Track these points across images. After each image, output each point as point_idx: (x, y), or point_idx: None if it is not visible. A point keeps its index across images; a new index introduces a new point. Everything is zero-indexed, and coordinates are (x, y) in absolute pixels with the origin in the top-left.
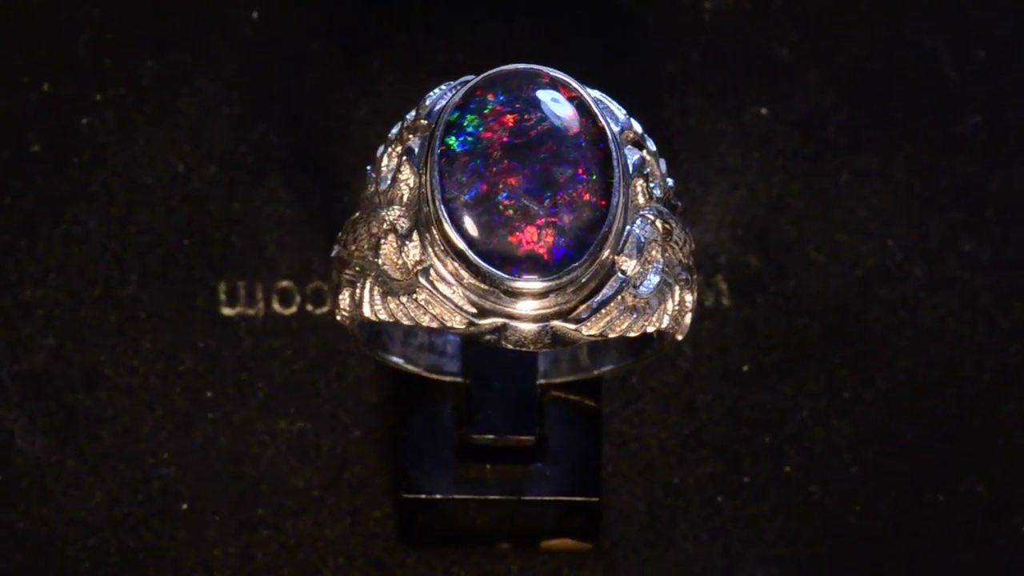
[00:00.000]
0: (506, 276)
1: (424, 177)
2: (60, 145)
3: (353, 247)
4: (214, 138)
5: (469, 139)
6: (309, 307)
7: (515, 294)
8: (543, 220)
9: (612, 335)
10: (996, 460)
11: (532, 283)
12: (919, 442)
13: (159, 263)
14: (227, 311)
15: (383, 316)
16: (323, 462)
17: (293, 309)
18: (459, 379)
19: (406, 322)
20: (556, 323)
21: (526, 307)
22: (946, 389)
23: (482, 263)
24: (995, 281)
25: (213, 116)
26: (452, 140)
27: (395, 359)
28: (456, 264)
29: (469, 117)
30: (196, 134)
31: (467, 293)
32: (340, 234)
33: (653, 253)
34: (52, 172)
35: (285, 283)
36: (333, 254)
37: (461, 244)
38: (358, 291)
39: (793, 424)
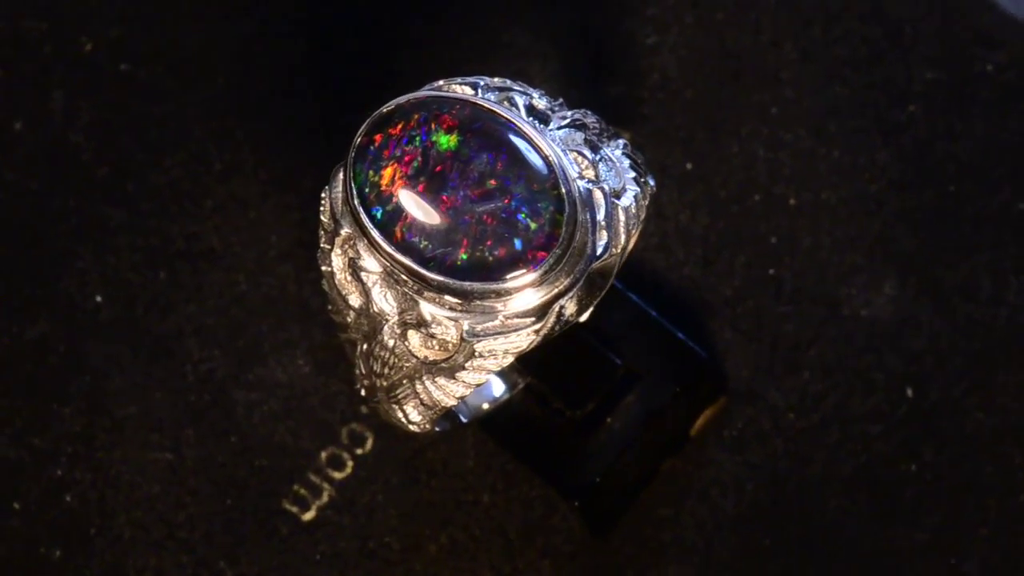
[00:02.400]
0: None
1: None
2: None
3: (376, 375)
4: None
5: (386, 204)
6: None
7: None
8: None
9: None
10: None
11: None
12: None
13: None
14: None
15: (456, 398)
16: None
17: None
18: (514, 389)
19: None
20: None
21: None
22: None
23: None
24: None
25: None
26: (378, 213)
27: (463, 417)
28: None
29: (370, 174)
30: None
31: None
32: (356, 380)
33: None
34: None
35: None
36: (363, 395)
37: (463, 285)
38: (420, 395)
39: None
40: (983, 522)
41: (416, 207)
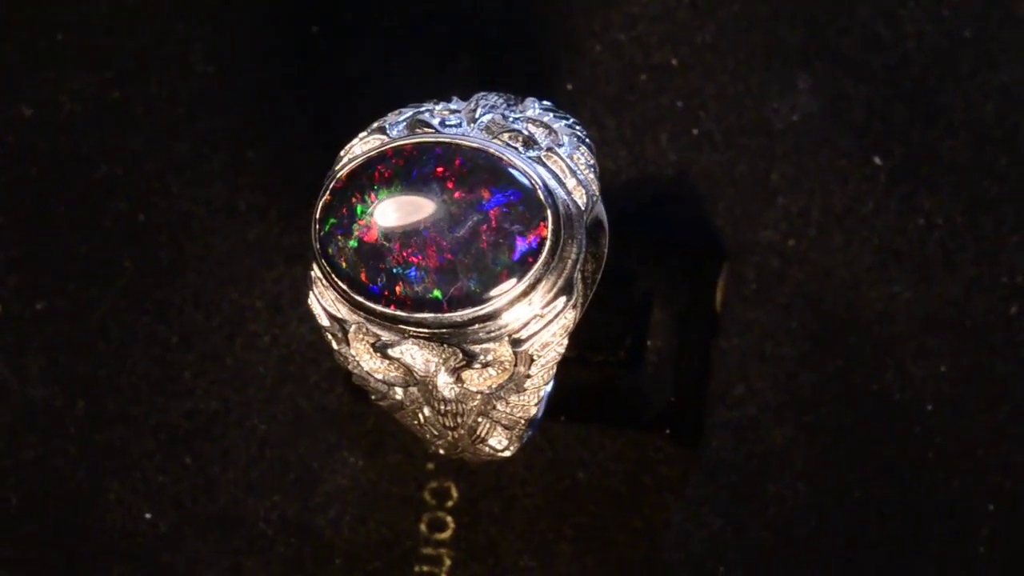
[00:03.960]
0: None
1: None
2: None
3: (451, 429)
4: None
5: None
6: None
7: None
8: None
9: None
10: None
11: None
12: None
13: None
14: None
15: (534, 406)
16: None
17: None
18: None
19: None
20: None
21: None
22: None
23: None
24: None
25: None
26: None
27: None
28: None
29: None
30: None
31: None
32: (429, 447)
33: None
34: None
35: None
36: (444, 454)
37: (489, 306)
38: (499, 422)
39: None
40: None
41: (405, 266)
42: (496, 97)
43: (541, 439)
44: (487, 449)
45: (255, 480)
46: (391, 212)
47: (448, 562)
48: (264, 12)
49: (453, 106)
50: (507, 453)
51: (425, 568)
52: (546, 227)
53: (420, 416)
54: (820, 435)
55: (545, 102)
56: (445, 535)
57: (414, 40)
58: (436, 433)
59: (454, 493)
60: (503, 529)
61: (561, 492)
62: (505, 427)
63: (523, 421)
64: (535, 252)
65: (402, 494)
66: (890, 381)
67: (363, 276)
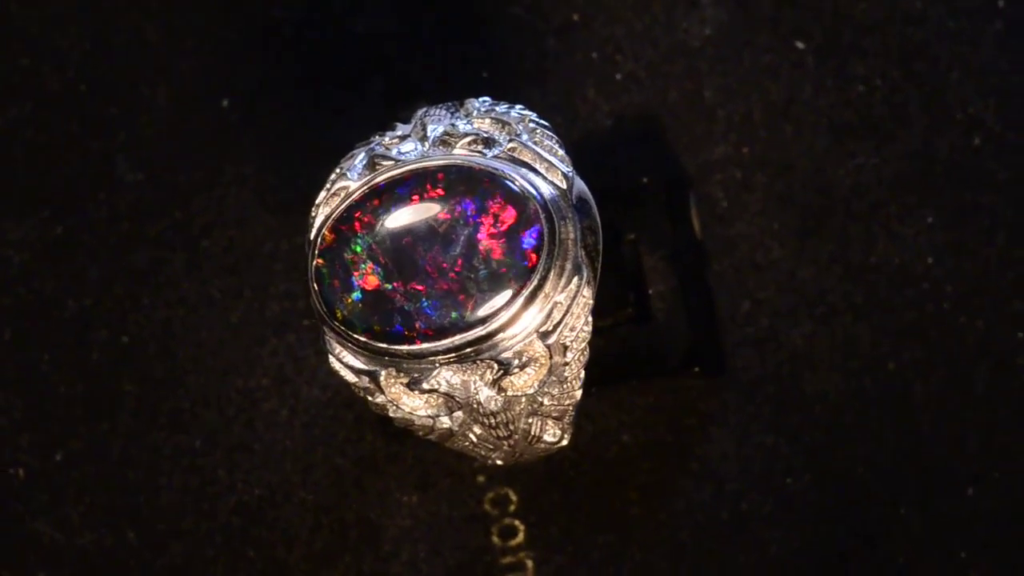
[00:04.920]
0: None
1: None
2: None
3: (505, 439)
4: None
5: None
6: None
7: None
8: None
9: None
10: None
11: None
12: None
13: None
14: None
15: (577, 390)
16: None
17: None
18: None
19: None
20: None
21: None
22: None
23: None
24: None
25: None
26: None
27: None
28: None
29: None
30: None
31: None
32: (484, 461)
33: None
34: None
35: None
36: (503, 464)
37: (507, 312)
38: (549, 415)
39: None
40: None
41: (415, 299)
42: (438, 109)
43: (578, 416)
44: (543, 446)
45: (321, 550)
46: (382, 252)
47: (530, 564)
48: (177, 95)
49: (400, 132)
50: (563, 443)
51: None
52: (538, 217)
53: (472, 437)
54: (837, 322)
55: (484, 99)
56: (518, 539)
57: (323, 77)
58: (491, 447)
59: (513, 497)
60: (571, 514)
61: (612, 460)
62: (555, 419)
63: (571, 408)
64: (535, 245)
65: (465, 514)
66: (885, 247)
67: (377, 324)
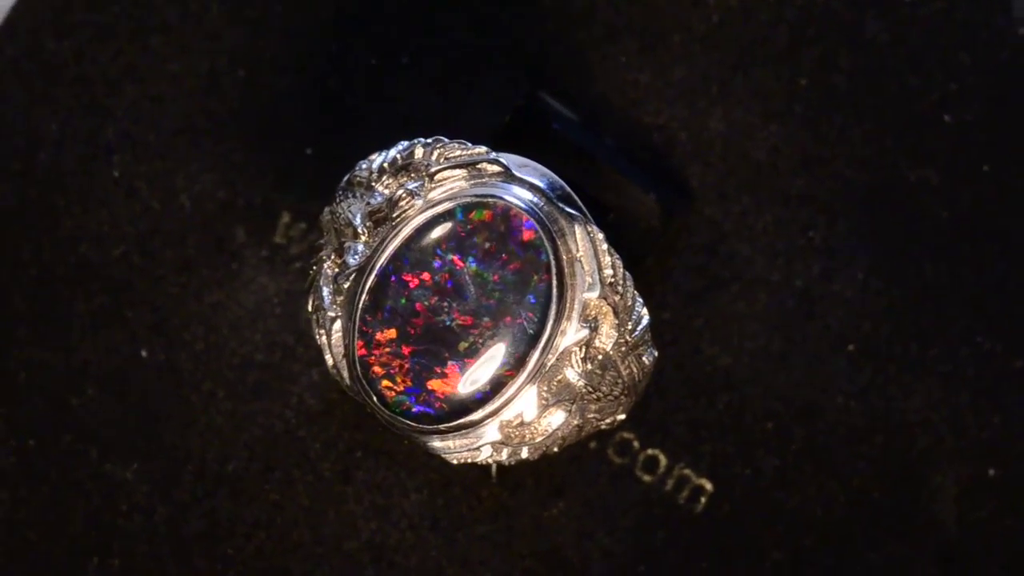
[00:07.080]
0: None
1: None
2: None
3: (617, 397)
4: None
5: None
6: None
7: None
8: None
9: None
10: None
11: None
12: None
13: None
14: None
15: (653, 357)
16: None
17: None
18: None
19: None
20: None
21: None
22: None
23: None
24: None
25: None
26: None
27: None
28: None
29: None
30: None
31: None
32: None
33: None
34: None
35: None
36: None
37: (553, 327)
38: (635, 379)
39: None
40: None
41: (474, 350)
42: (342, 200)
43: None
44: (647, 370)
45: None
46: (411, 346)
47: (710, 488)
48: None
49: (367, 204)
50: (655, 355)
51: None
52: (530, 217)
53: (593, 412)
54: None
55: (371, 157)
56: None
57: (281, 128)
58: (612, 409)
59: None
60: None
61: None
62: (643, 344)
63: (646, 329)
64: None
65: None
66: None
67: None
